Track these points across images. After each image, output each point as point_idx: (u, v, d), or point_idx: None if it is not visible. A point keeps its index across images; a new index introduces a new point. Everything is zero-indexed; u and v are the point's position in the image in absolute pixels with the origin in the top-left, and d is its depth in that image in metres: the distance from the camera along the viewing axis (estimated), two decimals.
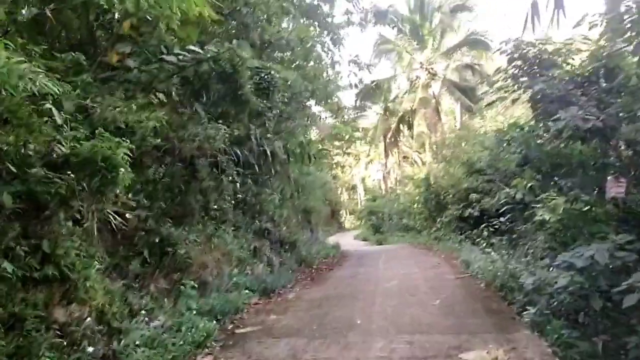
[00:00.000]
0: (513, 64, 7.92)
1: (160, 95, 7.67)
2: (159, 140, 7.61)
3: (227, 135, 8.99)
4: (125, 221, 7.64)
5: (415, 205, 31.01)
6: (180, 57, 8.33)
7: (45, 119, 5.02)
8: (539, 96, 7.43)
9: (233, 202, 12.45)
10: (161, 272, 8.23)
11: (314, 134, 21.11)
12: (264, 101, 10.06)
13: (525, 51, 7.87)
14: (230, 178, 8.80)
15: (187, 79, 8.75)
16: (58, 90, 4.74)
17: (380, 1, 31.48)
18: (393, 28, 30.34)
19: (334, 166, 43.37)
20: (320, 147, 17.72)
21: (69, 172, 5.10)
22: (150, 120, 7.27)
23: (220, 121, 8.84)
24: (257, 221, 13.77)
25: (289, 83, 11.87)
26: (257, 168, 10.71)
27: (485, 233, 16.17)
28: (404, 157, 52.35)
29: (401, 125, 35.06)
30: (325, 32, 15.87)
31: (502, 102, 31.02)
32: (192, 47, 8.44)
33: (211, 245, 9.58)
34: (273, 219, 14.92)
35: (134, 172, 7.68)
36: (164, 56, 8.31)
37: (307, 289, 10.31)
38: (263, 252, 12.94)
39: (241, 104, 9.05)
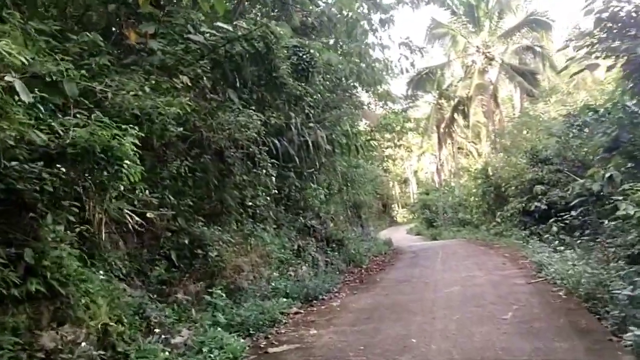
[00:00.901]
0: (601, 24, 6.45)
1: (185, 79, 6.74)
2: (182, 129, 6.73)
3: (261, 123, 8.00)
4: (147, 221, 6.86)
5: (472, 199, 29.27)
6: (208, 35, 7.40)
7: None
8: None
9: (274, 197, 11.63)
10: (190, 278, 7.37)
11: (362, 125, 19.89)
12: (303, 84, 9.00)
13: (617, 9, 6.41)
14: (266, 171, 7.79)
15: (217, 60, 7.82)
16: (26, 59, 3.83)
17: None
18: (446, 10, 28.70)
19: (385, 159, 42.07)
20: (369, 138, 16.50)
21: (58, 166, 4.22)
22: (172, 107, 6.39)
23: (254, 108, 7.83)
24: (301, 218, 12.80)
25: (331, 67, 10.74)
26: (297, 160, 9.66)
27: (555, 229, 14.53)
28: (459, 149, 50.27)
29: (456, 115, 33.22)
30: (373, 11, 14.58)
31: (572, 81, 28.70)
32: (221, 24, 7.48)
33: (248, 245, 8.65)
34: (319, 215, 13.91)
35: (155, 165, 6.87)
36: (190, 35, 7.41)
37: (355, 294, 9.21)
38: (307, 251, 11.94)
39: (277, 88, 8.05)
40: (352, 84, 13.70)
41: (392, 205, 69.23)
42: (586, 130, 14.67)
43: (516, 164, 20.67)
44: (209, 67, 7.74)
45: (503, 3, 27.11)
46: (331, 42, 12.98)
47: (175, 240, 7.50)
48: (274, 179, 8.05)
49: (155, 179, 6.71)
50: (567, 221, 14.21)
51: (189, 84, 6.87)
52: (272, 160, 8.50)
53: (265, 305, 7.31)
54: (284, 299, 7.97)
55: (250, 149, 7.19)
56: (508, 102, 36.97)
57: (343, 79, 12.53)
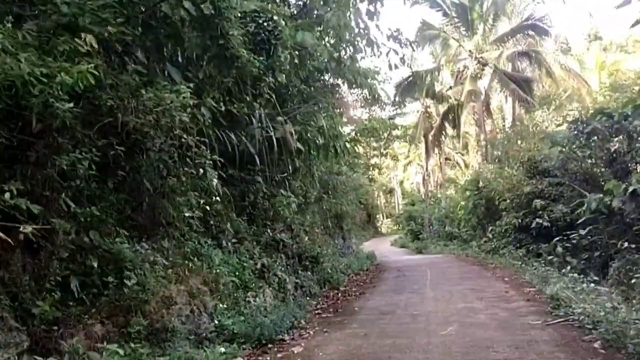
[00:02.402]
0: None
1: (90, 38, 4.80)
2: (81, 108, 4.78)
3: (210, 109, 6.05)
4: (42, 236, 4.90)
5: (461, 211, 27.56)
6: None
7: None
8: None
9: (234, 205, 9.69)
10: (96, 315, 5.39)
11: (346, 128, 18.06)
12: (264, 60, 7.07)
13: None
14: (204, 171, 5.81)
15: (148, 24, 5.89)
16: None
17: None
18: (438, 11, 27.16)
19: (371, 167, 40.45)
20: (353, 140, 14.61)
21: None
22: (65, 75, 4.47)
23: (193, 88, 5.87)
24: (268, 230, 10.85)
25: (306, 49, 8.82)
26: (258, 161, 7.74)
27: (560, 249, 12.79)
28: (446, 159, 48.90)
29: (445, 123, 31.54)
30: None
31: (566, 92, 27.20)
32: None
33: (186, 269, 6.66)
34: (291, 228, 11.95)
35: (36, 157, 4.89)
36: None
37: (326, 333, 7.23)
38: (273, 271, 9.97)
39: (227, 62, 6.11)
40: (331, 76, 11.81)
41: (377, 216, 67.64)
42: (595, 138, 12.98)
43: (512, 176, 18.98)
44: (138, 32, 5.83)
45: (499, 4, 25.55)
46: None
47: (81, 263, 5.52)
48: (215, 181, 6.08)
49: (38, 176, 4.73)
50: (574, 241, 12.48)
51: (97, 47, 4.91)
52: (220, 159, 6.52)
53: (196, 358, 5.31)
54: (228, 344, 5.96)
55: (183, 140, 5.25)
56: (498, 112, 35.47)
57: (321, 68, 10.64)
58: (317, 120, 9.18)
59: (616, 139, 11.56)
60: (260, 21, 7.10)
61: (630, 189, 9.05)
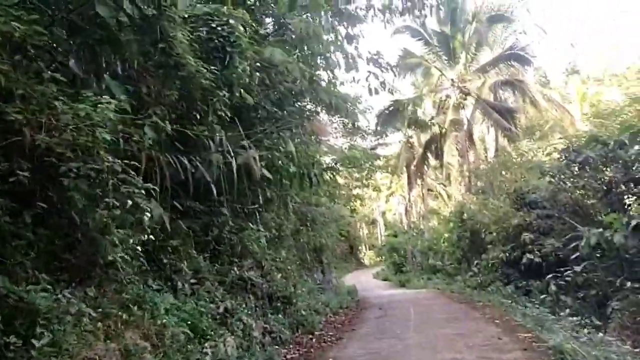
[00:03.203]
0: None
1: None
2: None
3: (151, 127, 5.03)
4: None
5: (445, 244, 26.68)
6: None
7: None
8: None
9: (194, 241, 8.62)
10: None
11: (326, 158, 17.16)
12: (217, 70, 6.08)
13: None
14: (132, 202, 4.73)
15: (77, 25, 4.91)
16: None
17: None
18: (419, 40, 26.81)
19: (353, 198, 39.60)
20: (328, 168, 13.62)
21: None
22: None
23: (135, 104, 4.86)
24: (235, 268, 9.73)
25: (276, 68, 7.90)
26: (214, 189, 6.69)
27: (553, 287, 11.84)
28: (429, 190, 48.33)
29: (428, 153, 30.88)
30: (337, 21, 12.01)
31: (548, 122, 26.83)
32: None
33: (120, 320, 5.51)
34: (261, 265, 10.83)
35: None
36: None
37: None
38: (238, 316, 8.79)
39: (171, 71, 5.14)
40: (308, 101, 10.94)
41: (359, 247, 66.46)
42: (587, 168, 12.23)
43: (498, 207, 18.15)
44: (64, 35, 4.84)
45: (481, 33, 25.23)
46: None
47: None
48: (147, 215, 5.01)
49: None
50: (569, 278, 11.56)
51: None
52: (174, 186, 5.46)
53: None
54: None
55: (107, 165, 4.19)
56: (481, 143, 35.02)
57: (296, 90, 9.75)
58: (286, 145, 8.17)
59: (611, 168, 10.78)
60: (214, 25, 6.12)
61: (633, 222, 8.17)
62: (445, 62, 27.48)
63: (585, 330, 8.01)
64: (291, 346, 9.51)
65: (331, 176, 15.92)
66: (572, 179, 12.26)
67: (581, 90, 37.14)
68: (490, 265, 18.05)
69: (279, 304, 10.70)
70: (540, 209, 15.44)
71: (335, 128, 23.70)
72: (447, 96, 27.48)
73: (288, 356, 8.71)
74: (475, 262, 20.03)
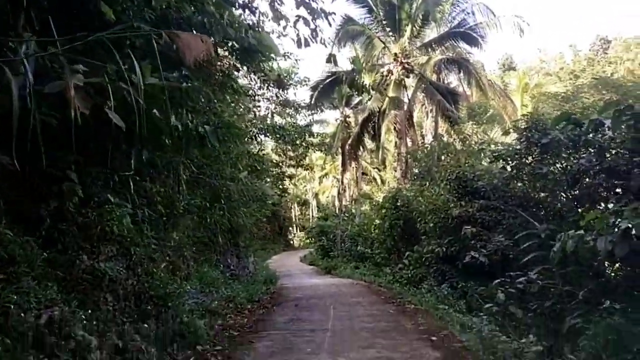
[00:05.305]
0: None
1: None
2: None
3: None
4: None
5: (376, 231, 24.61)
6: None
7: None
8: None
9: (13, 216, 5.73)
10: None
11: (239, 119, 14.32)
12: None
13: None
14: None
15: None
16: None
17: None
18: (363, 7, 24.30)
19: (285, 177, 37.04)
20: (237, 130, 10.79)
21: None
22: None
23: None
24: (84, 257, 6.86)
25: None
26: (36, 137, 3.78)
27: (502, 296, 9.73)
28: (363, 174, 46.61)
29: (365, 133, 28.65)
30: None
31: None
32: None
33: None
34: (129, 252, 7.95)
35: None
36: None
37: None
38: (71, 329, 5.94)
39: None
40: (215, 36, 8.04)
41: (290, 228, 64.23)
42: (551, 152, 10.13)
43: (438, 195, 16.12)
44: None
45: (429, 4, 23.01)
46: None
47: None
48: None
49: None
50: (521, 285, 9.50)
51: None
52: None
53: None
54: None
55: None
56: (418, 129, 33.31)
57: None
58: (145, 74, 5.18)
59: (581, 154, 8.72)
60: None
61: (623, 226, 6.06)
62: (389, 34, 25.15)
63: None
64: None
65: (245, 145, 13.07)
66: (531, 165, 10.17)
67: (523, 81, 36.30)
68: (423, 259, 16.02)
69: (149, 307, 7.89)
70: (485, 199, 13.44)
71: (263, 94, 20.90)
72: (389, 71, 25.20)
73: None
74: (407, 253, 17.99)
